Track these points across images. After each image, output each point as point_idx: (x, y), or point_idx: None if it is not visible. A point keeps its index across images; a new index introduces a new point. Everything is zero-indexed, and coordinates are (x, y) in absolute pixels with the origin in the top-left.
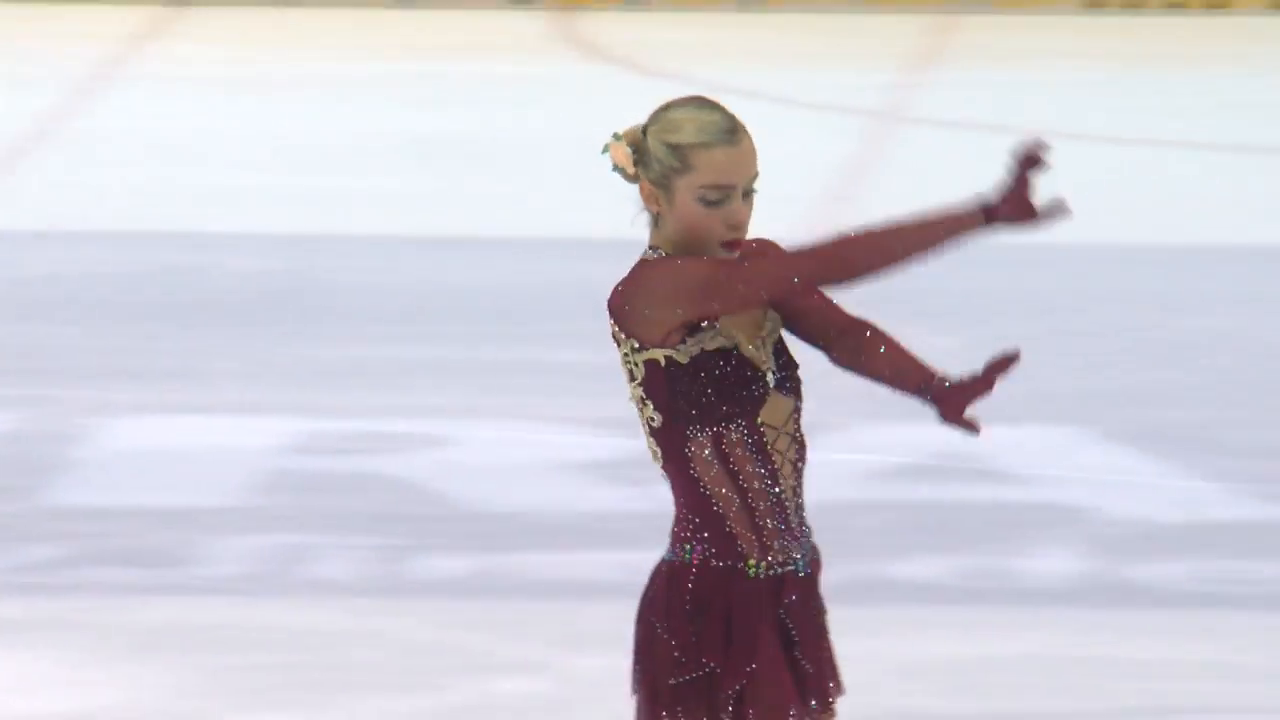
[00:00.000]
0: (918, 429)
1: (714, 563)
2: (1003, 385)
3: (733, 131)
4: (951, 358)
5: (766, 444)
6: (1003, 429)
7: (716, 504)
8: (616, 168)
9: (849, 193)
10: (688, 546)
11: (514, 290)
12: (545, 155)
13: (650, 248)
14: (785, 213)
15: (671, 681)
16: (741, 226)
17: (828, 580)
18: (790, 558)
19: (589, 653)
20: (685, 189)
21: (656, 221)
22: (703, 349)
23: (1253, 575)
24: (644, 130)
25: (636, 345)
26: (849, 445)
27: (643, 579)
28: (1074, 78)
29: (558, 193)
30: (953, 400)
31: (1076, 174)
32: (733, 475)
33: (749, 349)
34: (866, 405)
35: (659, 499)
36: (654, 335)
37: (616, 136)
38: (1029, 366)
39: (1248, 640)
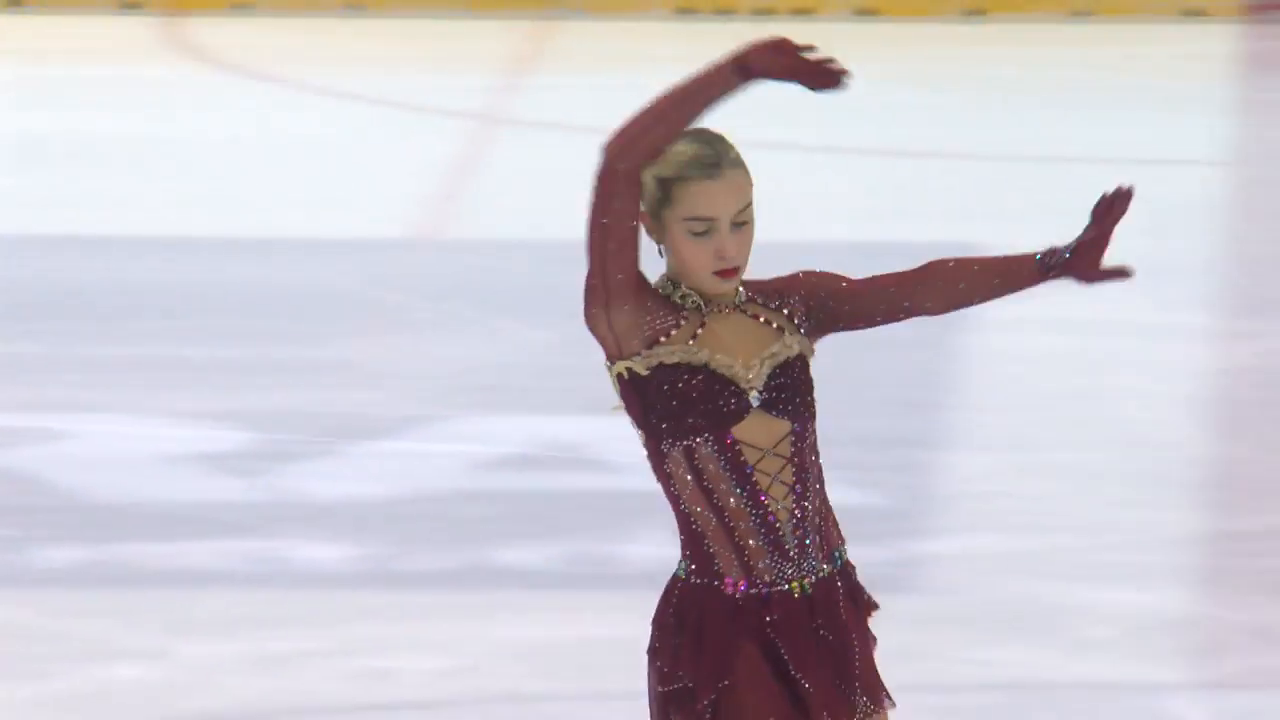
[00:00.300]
0: (521, 420)
1: (694, 579)
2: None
3: (715, 165)
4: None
5: (746, 462)
6: (598, 421)
7: (695, 522)
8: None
9: (455, 191)
10: (681, 562)
11: (123, 287)
12: (153, 157)
13: (663, 278)
14: (395, 212)
15: (661, 690)
16: (729, 257)
17: (437, 566)
18: (781, 577)
19: (202, 640)
20: (673, 221)
21: (661, 253)
22: (661, 363)
23: None
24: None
25: (606, 361)
26: (455, 436)
27: (257, 568)
28: (666, 81)
29: (165, 193)
30: (1084, 260)
31: None
32: (707, 493)
33: (725, 365)
34: (470, 398)
35: (273, 489)
36: (609, 348)
37: None
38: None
39: None
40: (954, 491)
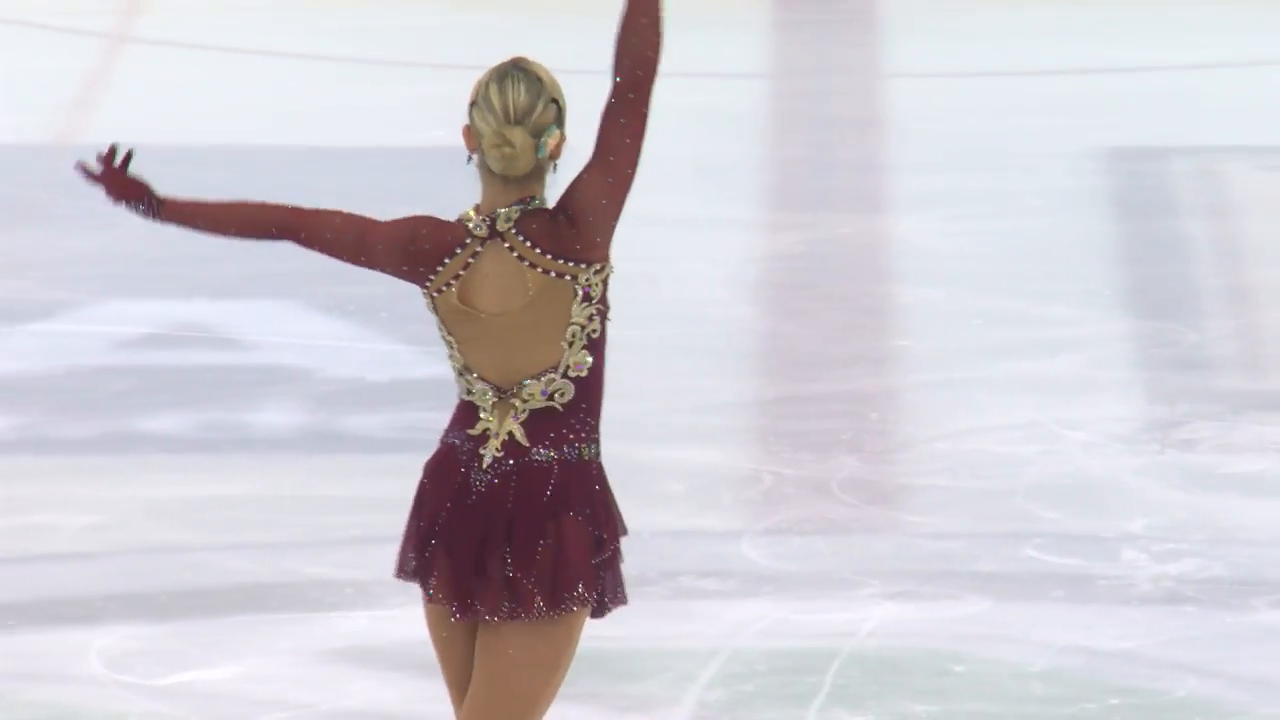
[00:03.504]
0: (154, 304)
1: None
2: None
3: None
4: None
5: None
6: (229, 303)
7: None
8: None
9: (87, 101)
10: (594, 446)
11: None
12: None
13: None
14: (33, 120)
15: (606, 557)
16: None
17: (86, 434)
18: None
19: None
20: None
21: (554, 170)
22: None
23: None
24: (547, 100)
25: (596, 265)
26: (96, 319)
27: None
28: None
29: None
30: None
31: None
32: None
33: None
34: (107, 285)
35: None
36: (606, 250)
37: (546, 132)
38: (242, 249)
39: None
40: None
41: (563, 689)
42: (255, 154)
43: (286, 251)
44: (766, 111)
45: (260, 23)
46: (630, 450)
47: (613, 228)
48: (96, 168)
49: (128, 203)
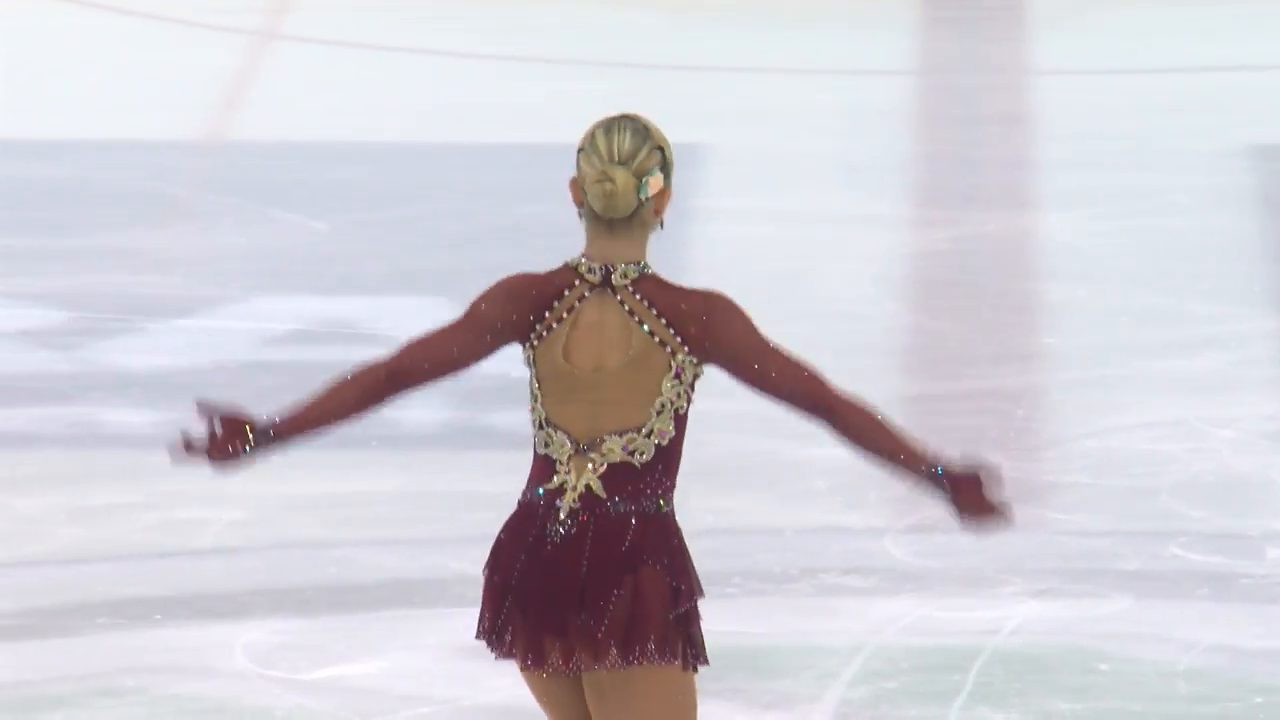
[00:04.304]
0: (302, 300)
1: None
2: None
3: None
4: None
5: None
6: (373, 299)
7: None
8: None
9: (234, 99)
10: (663, 501)
11: None
12: None
13: (646, 263)
14: (181, 118)
15: (686, 610)
16: None
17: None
18: None
19: (27, 495)
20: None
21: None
22: None
23: None
24: (652, 147)
25: (690, 358)
26: (244, 315)
27: (74, 431)
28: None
29: None
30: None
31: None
32: None
33: None
34: (255, 281)
35: (86, 362)
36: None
37: (649, 173)
38: (392, 247)
39: None
40: None
41: (706, 685)
42: (403, 151)
43: (429, 249)
44: (913, 108)
45: (406, 20)
46: (774, 447)
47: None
48: (200, 440)
49: (240, 456)
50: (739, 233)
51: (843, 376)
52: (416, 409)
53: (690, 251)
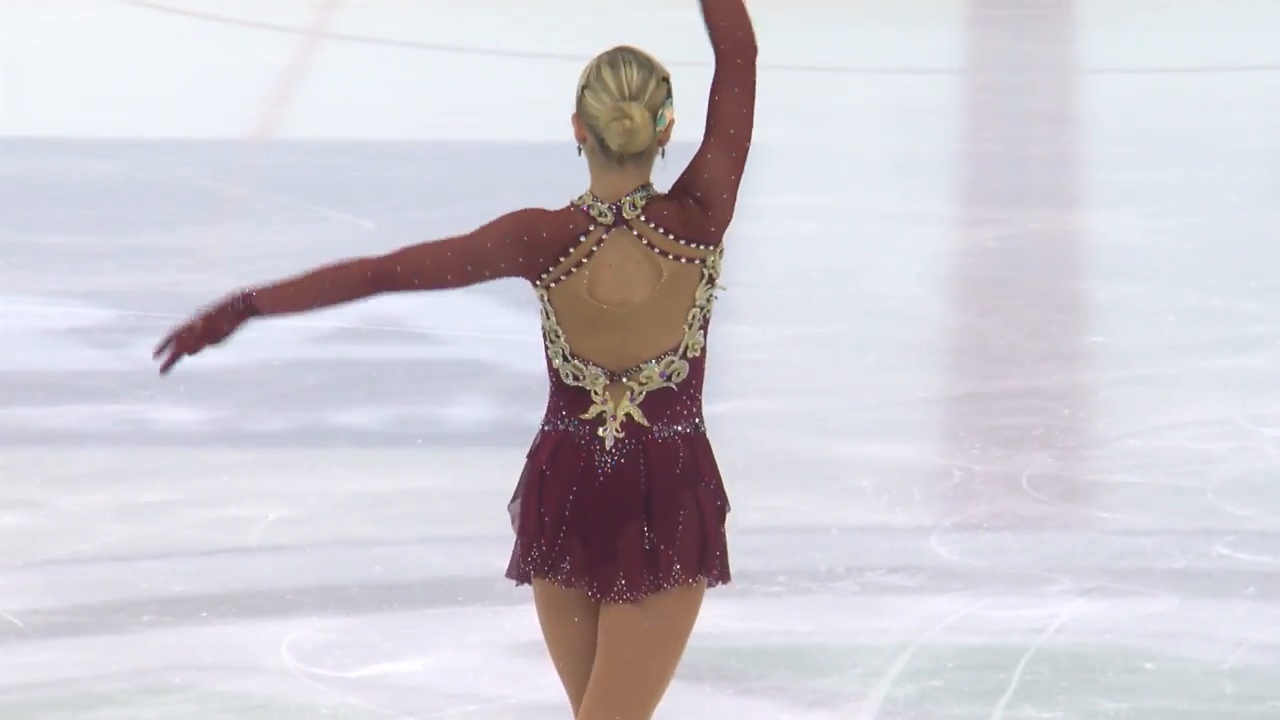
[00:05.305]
0: None
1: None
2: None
3: None
4: (371, 237)
5: None
6: (417, 299)
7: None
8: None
9: (286, 96)
10: (700, 420)
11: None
12: (23, 64)
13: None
14: (232, 115)
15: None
16: None
17: (279, 427)
18: None
19: (76, 492)
20: None
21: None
22: None
23: None
24: (659, 79)
25: (722, 247)
26: None
27: (122, 428)
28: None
29: (29, 99)
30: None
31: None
32: None
33: None
34: None
35: (134, 359)
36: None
37: (662, 106)
38: None
39: None
40: (731, 360)
41: (750, 683)
42: (452, 150)
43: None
44: (962, 106)
45: (456, 18)
46: (820, 445)
47: (736, 202)
48: (183, 330)
49: (226, 330)
50: (787, 229)
51: (889, 374)
52: (462, 406)
53: (739, 248)
